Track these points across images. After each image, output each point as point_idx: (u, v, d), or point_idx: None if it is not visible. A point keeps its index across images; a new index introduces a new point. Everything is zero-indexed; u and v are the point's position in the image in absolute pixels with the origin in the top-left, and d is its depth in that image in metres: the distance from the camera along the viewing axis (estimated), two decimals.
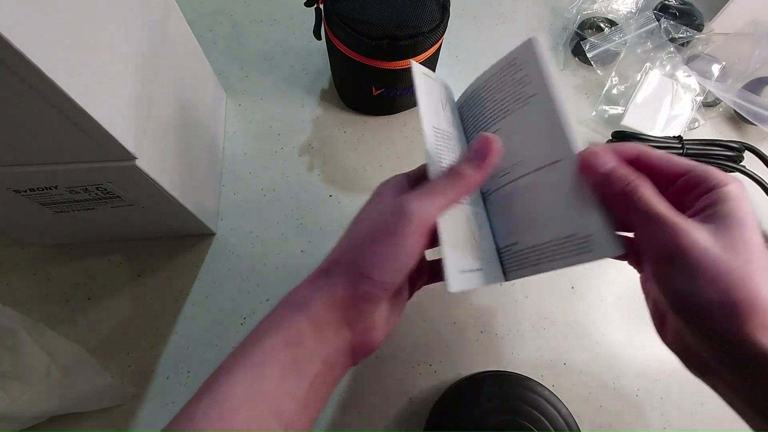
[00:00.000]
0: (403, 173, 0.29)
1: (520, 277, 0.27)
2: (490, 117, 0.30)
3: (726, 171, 0.47)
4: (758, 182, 0.46)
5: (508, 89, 0.28)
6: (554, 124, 0.25)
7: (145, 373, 0.38)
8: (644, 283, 0.27)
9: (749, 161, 0.46)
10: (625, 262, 0.28)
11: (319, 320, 0.23)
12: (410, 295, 0.30)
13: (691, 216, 0.22)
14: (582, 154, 0.24)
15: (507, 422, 0.34)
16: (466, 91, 0.32)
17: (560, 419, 0.35)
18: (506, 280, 0.28)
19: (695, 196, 0.23)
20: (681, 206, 0.22)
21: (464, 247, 0.26)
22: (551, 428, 0.34)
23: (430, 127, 0.28)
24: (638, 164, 0.24)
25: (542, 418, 0.34)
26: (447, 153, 0.28)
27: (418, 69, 0.29)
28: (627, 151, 0.25)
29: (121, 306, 0.41)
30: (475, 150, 0.25)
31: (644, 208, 0.21)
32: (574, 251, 0.24)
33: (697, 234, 0.20)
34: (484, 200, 0.30)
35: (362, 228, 0.25)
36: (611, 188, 0.23)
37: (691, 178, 0.23)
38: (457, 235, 0.26)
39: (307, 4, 0.43)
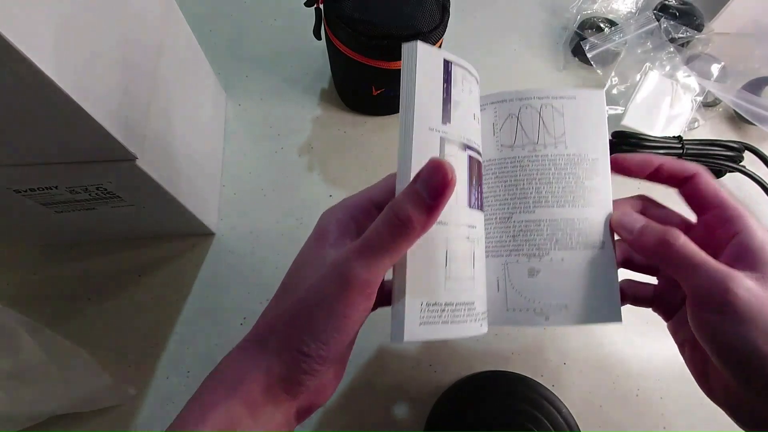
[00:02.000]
0: (357, 197, 0.25)
1: (510, 324, 0.25)
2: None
3: (726, 171, 0.47)
4: (758, 182, 0.46)
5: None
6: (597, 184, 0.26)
7: (145, 373, 0.38)
8: (675, 332, 0.27)
9: (749, 161, 0.46)
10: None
11: (255, 402, 0.20)
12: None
13: (726, 260, 0.22)
14: (614, 218, 0.25)
15: (507, 422, 0.34)
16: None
17: (560, 419, 0.35)
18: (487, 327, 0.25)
19: (726, 236, 0.23)
20: (710, 243, 0.23)
21: (435, 288, 0.21)
22: (551, 428, 0.34)
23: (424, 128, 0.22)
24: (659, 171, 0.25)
25: (542, 418, 0.34)
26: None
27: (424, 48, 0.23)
28: (636, 205, 0.26)
29: (121, 306, 0.41)
30: (423, 180, 0.19)
31: (686, 256, 0.21)
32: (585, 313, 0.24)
33: (746, 282, 0.20)
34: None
35: (298, 290, 0.22)
36: (647, 241, 0.23)
37: (719, 214, 0.24)
38: (428, 272, 0.21)
39: (307, 4, 0.43)
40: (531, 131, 0.26)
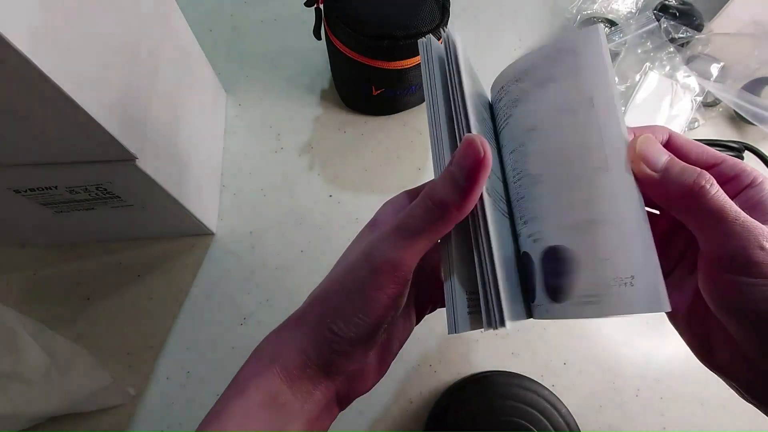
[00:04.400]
0: (410, 191, 0.24)
1: (556, 317, 0.21)
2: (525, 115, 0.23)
3: None
4: None
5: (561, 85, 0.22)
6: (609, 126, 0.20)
7: (145, 373, 0.38)
8: (674, 319, 0.24)
9: (749, 161, 0.46)
10: None
11: (293, 377, 0.21)
12: (419, 319, 0.26)
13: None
14: (634, 144, 0.20)
15: (507, 422, 0.34)
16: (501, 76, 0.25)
17: (560, 419, 0.35)
18: (531, 317, 0.22)
19: (733, 190, 0.21)
20: None
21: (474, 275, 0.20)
22: (551, 428, 0.34)
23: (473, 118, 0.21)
24: (668, 147, 0.22)
25: (542, 418, 0.34)
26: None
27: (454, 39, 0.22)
28: (658, 136, 0.22)
29: (121, 306, 0.41)
30: (458, 163, 0.19)
31: (718, 208, 0.18)
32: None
33: None
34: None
35: (339, 269, 0.22)
36: (675, 183, 0.19)
37: (723, 169, 0.21)
38: (471, 260, 0.20)
39: (307, 4, 0.43)
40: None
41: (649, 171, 0.20)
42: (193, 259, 0.43)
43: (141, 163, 0.29)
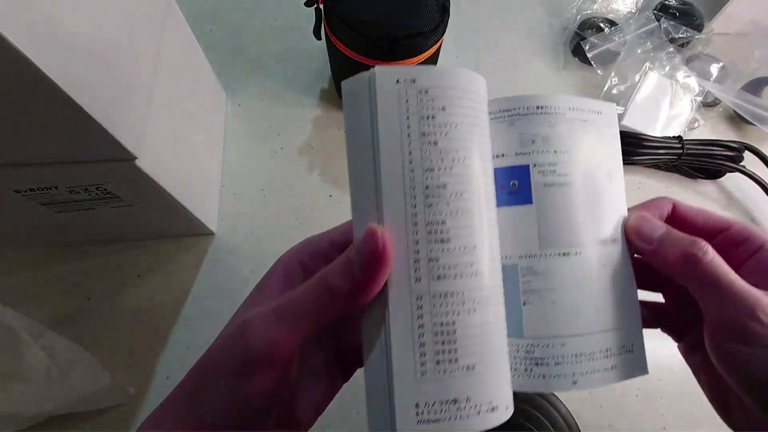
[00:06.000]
0: (318, 237, 0.22)
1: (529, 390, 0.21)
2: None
3: (726, 171, 0.47)
4: (758, 182, 0.46)
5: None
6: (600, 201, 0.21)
7: (145, 373, 0.38)
8: (688, 355, 0.24)
9: (749, 161, 0.46)
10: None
11: None
12: (349, 375, 0.24)
13: (747, 281, 0.19)
14: (630, 222, 0.21)
15: (507, 421, 0.34)
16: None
17: (560, 419, 0.35)
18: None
19: (741, 256, 0.21)
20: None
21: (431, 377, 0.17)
22: (551, 428, 0.34)
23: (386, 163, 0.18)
24: (674, 217, 0.22)
25: (542, 418, 0.34)
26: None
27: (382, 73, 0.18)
28: (661, 206, 0.22)
29: (121, 306, 0.41)
30: (356, 248, 0.17)
31: (714, 276, 0.19)
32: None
33: None
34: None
35: (215, 343, 0.20)
36: (669, 253, 0.20)
37: (731, 234, 0.21)
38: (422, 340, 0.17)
39: (307, 4, 0.43)
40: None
41: (644, 245, 0.21)
42: (193, 259, 0.43)
43: (141, 163, 0.29)
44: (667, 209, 0.22)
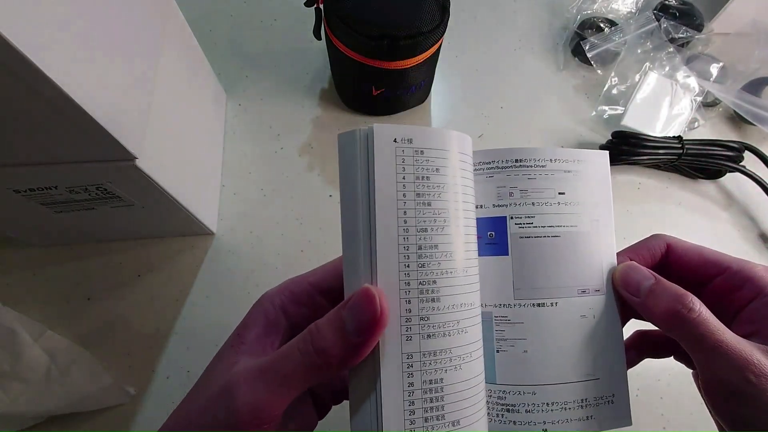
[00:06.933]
0: (298, 279, 0.21)
1: None
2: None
3: (726, 171, 0.47)
4: (758, 182, 0.46)
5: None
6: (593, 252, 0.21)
7: (145, 373, 0.38)
8: (697, 380, 0.23)
9: (749, 161, 0.46)
10: None
11: None
12: (324, 413, 0.24)
13: (744, 331, 0.19)
14: (616, 273, 0.21)
15: None
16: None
17: None
18: None
19: (740, 301, 0.20)
20: (722, 311, 0.20)
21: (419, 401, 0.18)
22: None
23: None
24: (669, 258, 0.22)
25: None
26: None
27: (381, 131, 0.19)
28: (654, 247, 0.22)
29: (121, 306, 0.41)
30: (350, 308, 0.17)
31: (701, 333, 0.18)
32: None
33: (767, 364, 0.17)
34: None
35: (196, 405, 0.18)
36: (656, 307, 0.19)
37: (730, 277, 0.21)
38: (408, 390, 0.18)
39: (307, 4, 0.43)
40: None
41: (631, 297, 0.20)
42: (194, 259, 0.43)
43: (141, 163, 0.29)
44: (661, 250, 0.22)
